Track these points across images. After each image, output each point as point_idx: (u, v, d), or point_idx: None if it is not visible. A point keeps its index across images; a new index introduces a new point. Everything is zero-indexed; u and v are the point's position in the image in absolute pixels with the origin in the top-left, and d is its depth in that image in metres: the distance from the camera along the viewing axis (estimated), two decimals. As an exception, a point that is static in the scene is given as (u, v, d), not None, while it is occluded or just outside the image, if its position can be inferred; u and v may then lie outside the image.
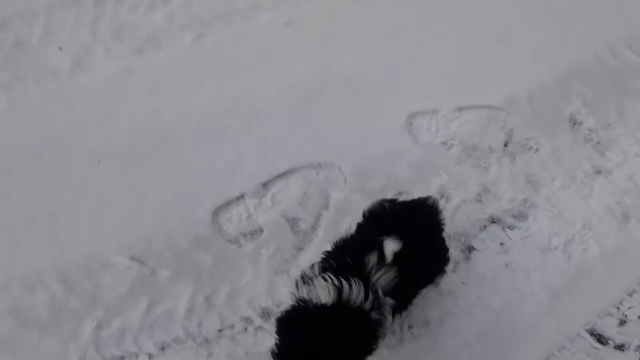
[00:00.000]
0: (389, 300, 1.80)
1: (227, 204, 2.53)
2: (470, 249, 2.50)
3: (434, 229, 2.11)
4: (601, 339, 2.32)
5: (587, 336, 2.33)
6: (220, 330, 2.29)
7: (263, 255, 2.43)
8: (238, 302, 2.35)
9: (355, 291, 1.70)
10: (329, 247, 2.03)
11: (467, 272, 2.43)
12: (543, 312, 2.36)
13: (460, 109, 2.89)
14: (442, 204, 2.49)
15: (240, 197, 2.55)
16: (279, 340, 1.71)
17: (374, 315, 1.72)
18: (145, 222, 2.43)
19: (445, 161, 2.72)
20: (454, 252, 2.45)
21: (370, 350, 1.74)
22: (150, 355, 2.22)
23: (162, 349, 2.24)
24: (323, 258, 1.94)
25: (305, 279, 1.82)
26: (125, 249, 2.36)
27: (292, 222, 2.52)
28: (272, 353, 1.69)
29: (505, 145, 2.82)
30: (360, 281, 1.71)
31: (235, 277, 2.38)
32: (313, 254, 2.40)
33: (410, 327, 2.32)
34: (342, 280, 1.69)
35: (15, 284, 2.27)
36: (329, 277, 1.72)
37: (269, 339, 1.97)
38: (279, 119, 2.74)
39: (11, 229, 2.37)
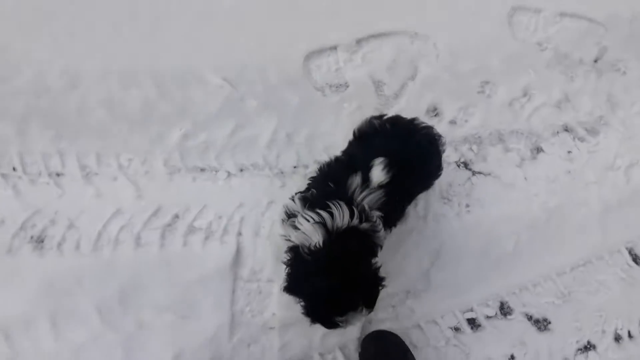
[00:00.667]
0: (377, 213, 1.77)
1: (320, 52, 2.54)
2: (538, 149, 2.59)
3: (426, 154, 2.01)
4: (636, 259, 2.49)
5: (626, 253, 2.50)
6: (295, 167, 2.39)
7: (345, 110, 2.49)
8: (315, 146, 2.43)
9: (337, 216, 1.66)
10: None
11: (531, 170, 2.53)
12: (592, 222, 2.50)
13: (562, 14, 2.84)
14: (523, 102, 2.56)
15: (333, 48, 2.56)
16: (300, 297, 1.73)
17: (363, 225, 1.71)
18: (242, 47, 2.45)
19: (536, 61, 2.72)
20: (522, 149, 2.54)
21: (373, 255, 1.77)
22: (228, 174, 2.34)
23: (241, 170, 2.35)
24: (308, 184, 1.94)
25: (289, 216, 1.79)
26: (219, 69, 2.40)
27: (377, 85, 2.55)
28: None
29: (595, 61, 2.81)
30: (340, 203, 1.68)
31: (316, 123, 2.45)
32: None
33: (467, 205, 2.43)
34: (323, 212, 1.66)
35: (111, 77, 2.34)
36: (310, 216, 1.68)
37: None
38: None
39: (114, 22, 2.38)
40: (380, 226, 1.76)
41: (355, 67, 2.55)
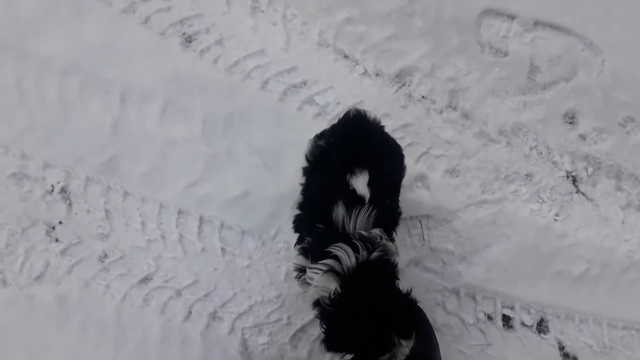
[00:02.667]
0: (376, 232, 1.70)
1: (497, 14, 2.61)
2: None
3: (378, 139, 1.92)
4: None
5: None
6: (423, 97, 2.44)
7: (494, 73, 2.53)
8: (448, 87, 2.47)
9: (344, 258, 1.61)
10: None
11: (633, 218, 2.64)
12: None
13: None
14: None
15: (511, 17, 2.60)
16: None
17: (374, 255, 1.65)
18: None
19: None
20: (634, 196, 2.58)
21: (393, 278, 1.72)
22: (365, 71, 2.56)
23: (377, 74, 2.50)
24: (294, 226, 1.93)
25: (300, 271, 1.76)
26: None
27: (532, 69, 2.58)
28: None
29: None
30: (342, 245, 1.62)
31: (462, 67, 2.50)
32: (530, 107, 2.57)
33: (557, 214, 2.51)
34: (328, 260, 1.62)
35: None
36: (316, 268, 1.64)
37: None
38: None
39: None
40: (385, 241, 1.70)
41: (521, 44, 2.58)
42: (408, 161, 2.34)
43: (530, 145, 2.53)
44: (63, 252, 2.17)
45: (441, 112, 2.48)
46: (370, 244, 1.66)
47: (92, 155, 2.22)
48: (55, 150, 2.22)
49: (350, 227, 1.69)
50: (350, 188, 1.71)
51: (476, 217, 2.41)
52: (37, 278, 2.14)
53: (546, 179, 2.50)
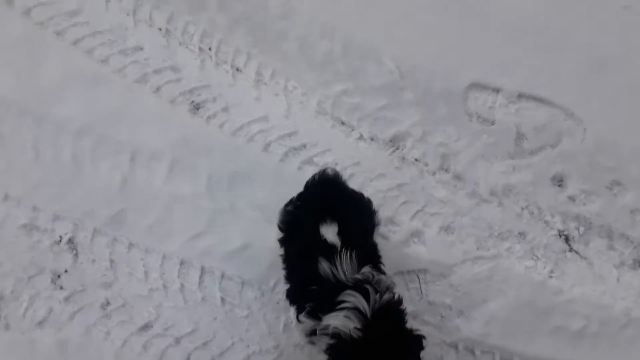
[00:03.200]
0: (366, 270, 1.79)
1: (484, 87, 2.85)
2: (645, 261, 2.58)
3: (342, 192, 2.06)
4: None
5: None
6: (416, 160, 2.62)
7: (482, 139, 2.73)
8: (440, 153, 2.66)
9: (359, 300, 1.68)
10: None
11: (627, 277, 2.68)
12: None
13: None
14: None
15: (496, 90, 2.85)
16: None
17: (385, 298, 1.73)
18: (424, 50, 2.85)
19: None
20: (626, 255, 2.66)
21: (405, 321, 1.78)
22: (361, 136, 2.75)
23: (372, 139, 2.71)
24: (288, 298, 2.00)
25: (311, 334, 1.80)
26: (397, 58, 2.82)
27: (519, 136, 2.77)
28: None
29: None
30: (351, 292, 1.70)
31: (451, 134, 2.72)
32: (519, 170, 2.73)
33: (552, 271, 2.59)
34: (347, 304, 1.68)
35: (314, 25, 2.81)
36: (334, 314, 1.68)
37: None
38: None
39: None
40: (377, 275, 1.80)
41: (507, 114, 2.80)
42: (403, 218, 2.49)
43: (521, 206, 2.64)
44: (67, 299, 2.25)
45: (434, 173, 2.63)
46: (373, 284, 1.74)
47: (100, 208, 2.37)
48: (66, 204, 2.38)
49: (341, 275, 1.76)
50: (322, 238, 1.81)
51: (472, 273, 2.48)
52: (40, 323, 2.21)
53: (539, 237, 2.59)
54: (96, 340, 2.18)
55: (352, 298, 1.67)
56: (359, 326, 1.62)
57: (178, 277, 2.31)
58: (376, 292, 1.71)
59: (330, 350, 1.65)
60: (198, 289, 2.30)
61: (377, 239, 2.06)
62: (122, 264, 2.30)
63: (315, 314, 1.73)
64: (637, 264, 2.59)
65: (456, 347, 2.33)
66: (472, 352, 2.34)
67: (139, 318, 2.23)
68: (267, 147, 2.56)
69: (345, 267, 1.76)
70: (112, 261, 2.29)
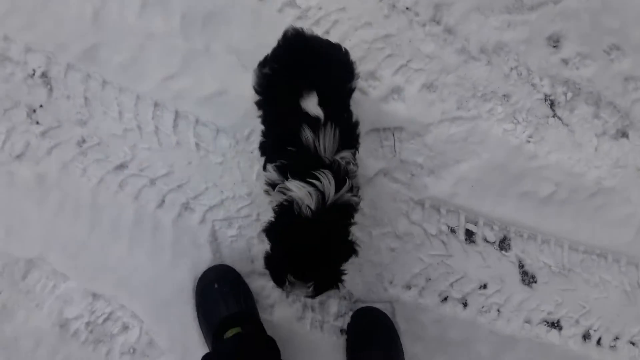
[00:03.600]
0: (347, 155, 1.75)
1: None
2: (624, 134, 2.59)
3: (320, 54, 1.89)
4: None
5: (644, 260, 2.45)
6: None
7: None
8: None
9: (327, 185, 1.64)
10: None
11: (606, 146, 2.66)
12: (632, 225, 2.58)
13: None
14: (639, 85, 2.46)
15: None
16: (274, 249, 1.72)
17: (348, 196, 1.72)
18: None
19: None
20: (610, 124, 2.62)
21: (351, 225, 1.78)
22: None
23: None
24: (260, 148, 1.93)
25: (272, 185, 1.75)
26: None
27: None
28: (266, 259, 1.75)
29: None
30: (326, 172, 1.66)
31: None
32: (514, 26, 2.59)
33: (530, 136, 2.56)
34: (313, 181, 1.63)
35: None
36: (300, 184, 1.65)
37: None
38: None
39: None
40: (353, 165, 1.75)
41: None
42: (385, 73, 2.42)
43: (510, 66, 2.54)
44: (43, 135, 2.27)
45: (424, 25, 2.49)
46: (347, 176, 1.72)
47: (73, 42, 2.29)
48: (37, 35, 2.29)
49: (321, 150, 1.72)
50: (304, 111, 1.74)
51: (449, 133, 2.46)
52: (18, 156, 2.25)
53: (523, 100, 2.53)
54: (73, 175, 2.24)
55: (325, 181, 1.64)
56: (312, 208, 1.62)
57: (152, 119, 2.32)
58: (350, 188, 1.70)
59: (279, 209, 1.69)
60: (173, 132, 2.32)
61: (355, 95, 2.01)
62: (97, 102, 2.30)
63: (284, 172, 1.72)
64: (620, 134, 2.56)
65: (422, 205, 2.42)
66: (438, 210, 2.42)
67: (115, 157, 2.28)
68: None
69: (327, 144, 1.72)
70: (86, 98, 2.29)
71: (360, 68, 2.32)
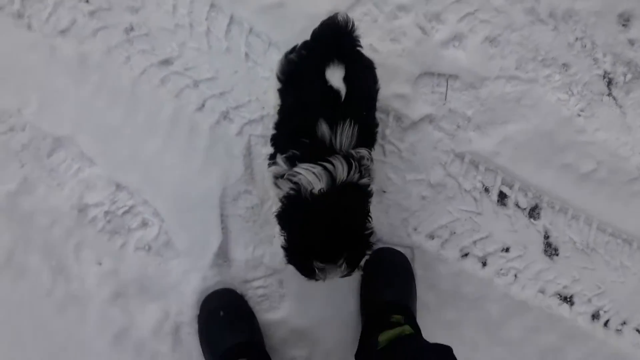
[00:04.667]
0: (364, 152, 1.69)
1: None
2: None
3: (352, 49, 1.83)
4: None
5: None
6: None
7: None
8: None
9: (339, 167, 1.58)
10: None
11: None
12: None
13: None
14: None
15: None
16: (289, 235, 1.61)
17: (363, 181, 1.65)
18: None
19: None
20: None
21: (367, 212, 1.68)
22: None
23: None
24: (272, 142, 1.84)
25: (280, 177, 1.67)
26: None
27: None
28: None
29: None
30: (339, 157, 1.60)
31: None
32: None
33: (582, 110, 2.48)
34: (324, 163, 1.57)
35: None
36: (310, 165, 1.58)
37: None
38: None
39: None
40: (369, 162, 1.70)
41: None
42: (451, 17, 2.33)
43: (576, 36, 2.47)
44: (91, 14, 2.18)
45: (498, -24, 2.37)
46: (362, 168, 1.66)
47: None
48: None
49: (337, 145, 1.66)
50: (327, 85, 1.68)
51: (503, 91, 2.40)
52: (62, 32, 2.16)
53: (582, 73, 2.46)
54: (116, 62, 2.16)
55: (337, 163, 1.58)
56: (323, 189, 1.55)
57: (206, 19, 2.23)
58: (360, 174, 1.63)
59: (286, 199, 1.61)
60: (224, 37, 2.24)
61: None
62: (151, -10, 2.16)
63: (293, 162, 1.65)
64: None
65: (462, 159, 2.37)
66: (477, 167, 2.38)
67: (161, 51, 2.20)
68: None
69: (344, 139, 1.65)
70: (140, -15, 2.15)
71: (426, 8, 2.28)
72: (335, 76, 1.71)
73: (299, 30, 2.23)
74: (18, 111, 2.13)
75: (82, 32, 2.17)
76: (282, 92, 1.88)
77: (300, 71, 1.80)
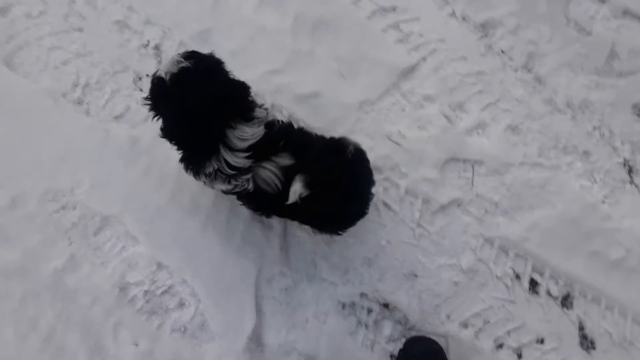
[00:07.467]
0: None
1: None
2: None
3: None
4: None
5: None
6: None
7: (574, 48, 2.65)
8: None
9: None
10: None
11: None
12: None
13: None
14: None
15: (603, 0, 2.65)
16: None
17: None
18: None
19: None
20: None
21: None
22: None
23: None
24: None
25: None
26: None
27: (612, 54, 2.68)
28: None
29: None
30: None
31: (544, 40, 2.56)
32: (602, 88, 2.66)
33: (604, 197, 2.52)
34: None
35: None
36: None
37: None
38: None
39: None
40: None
41: (607, 28, 2.71)
42: (473, 107, 2.50)
43: (594, 125, 2.59)
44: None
45: (516, 70, 2.57)
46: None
47: (190, 22, 2.43)
48: (158, 10, 2.44)
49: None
50: None
51: (528, 177, 2.49)
52: (117, 117, 2.33)
53: (603, 161, 2.55)
54: (164, 146, 2.26)
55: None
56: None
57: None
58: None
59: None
60: (265, 121, 2.35)
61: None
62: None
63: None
64: None
65: (492, 244, 2.39)
66: (506, 253, 2.40)
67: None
68: (357, 1, 2.50)
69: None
70: (190, 77, 2.34)
71: (451, 98, 2.42)
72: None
73: (332, 118, 2.43)
74: (71, 190, 2.24)
75: (134, 118, 2.34)
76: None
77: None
